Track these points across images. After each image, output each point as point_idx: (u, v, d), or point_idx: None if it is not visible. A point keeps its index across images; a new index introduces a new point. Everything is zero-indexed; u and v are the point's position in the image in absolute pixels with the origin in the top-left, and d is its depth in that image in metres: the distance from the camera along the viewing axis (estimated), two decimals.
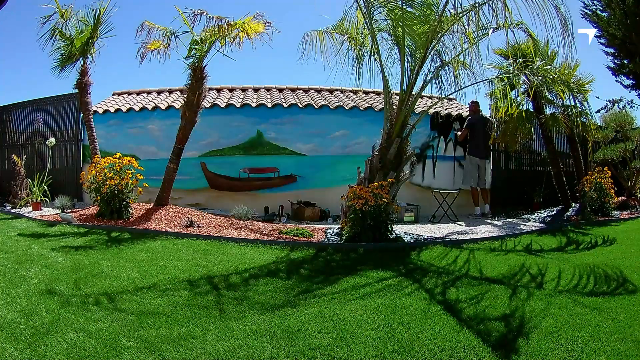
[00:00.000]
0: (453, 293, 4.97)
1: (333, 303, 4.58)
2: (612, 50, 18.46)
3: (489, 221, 10.97)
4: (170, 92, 14.94)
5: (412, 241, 7.92)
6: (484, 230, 9.36)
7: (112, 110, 12.72)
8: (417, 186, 12.61)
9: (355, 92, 14.90)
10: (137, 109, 12.73)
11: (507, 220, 11.13)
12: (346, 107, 12.68)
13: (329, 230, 8.83)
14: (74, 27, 11.00)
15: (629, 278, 5.51)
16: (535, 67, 8.44)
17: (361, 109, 12.69)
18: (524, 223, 10.50)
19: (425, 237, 8.47)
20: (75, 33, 10.95)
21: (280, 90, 14.77)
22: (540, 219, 11.02)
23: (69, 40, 10.96)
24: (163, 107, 12.65)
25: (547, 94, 12.02)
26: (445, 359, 3.43)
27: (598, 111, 19.94)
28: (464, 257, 6.75)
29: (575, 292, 4.91)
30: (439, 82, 9.11)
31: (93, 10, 10.96)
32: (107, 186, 8.83)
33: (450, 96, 10.11)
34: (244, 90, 14.91)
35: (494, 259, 6.59)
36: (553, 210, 12.05)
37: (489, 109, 13.15)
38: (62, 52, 11.11)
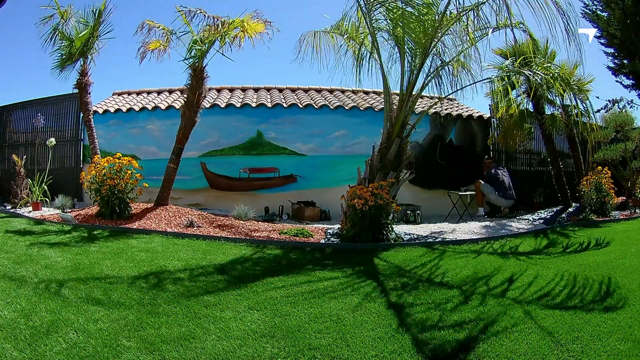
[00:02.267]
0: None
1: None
2: (612, 50, 18.47)
3: (482, 222, 10.99)
4: (171, 92, 14.94)
5: (409, 241, 7.92)
6: (478, 232, 9.32)
7: (112, 110, 12.72)
8: (417, 186, 12.60)
9: (355, 92, 14.90)
10: (137, 109, 12.72)
11: (502, 221, 11.14)
12: (346, 107, 12.69)
13: (329, 231, 8.83)
14: (74, 27, 11.00)
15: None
16: (535, 65, 8.43)
17: (361, 109, 12.70)
18: (517, 223, 10.50)
19: (424, 236, 8.49)
20: (75, 33, 10.94)
21: (281, 90, 14.77)
22: (538, 219, 11.00)
23: (69, 40, 10.95)
24: (163, 107, 12.64)
25: (547, 93, 12.02)
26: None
27: (598, 111, 19.91)
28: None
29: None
30: (439, 82, 9.13)
31: (92, 10, 10.98)
32: (107, 186, 8.84)
33: (450, 96, 10.10)
34: (244, 90, 14.91)
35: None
36: (552, 211, 12.04)
37: (489, 108, 13.18)
38: (62, 52, 11.10)
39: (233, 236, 7.93)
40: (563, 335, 3.82)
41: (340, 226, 8.51)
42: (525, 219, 11.17)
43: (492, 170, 12.60)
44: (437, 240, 8.13)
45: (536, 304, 4.59)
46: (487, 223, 10.65)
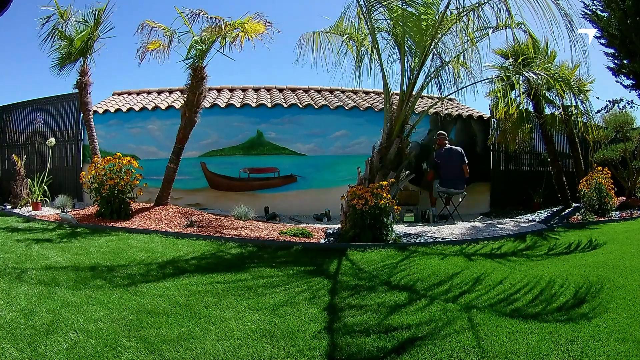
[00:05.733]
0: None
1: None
2: (612, 51, 18.43)
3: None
4: (171, 92, 14.94)
5: (407, 241, 7.91)
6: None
7: (112, 110, 12.73)
8: (416, 186, 12.61)
9: (355, 92, 14.91)
10: (137, 109, 12.74)
11: (502, 220, 11.18)
12: (346, 107, 12.70)
13: (329, 231, 8.82)
14: (74, 27, 10.99)
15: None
16: (535, 65, 8.43)
17: (361, 109, 12.71)
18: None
19: (423, 237, 8.48)
20: (75, 33, 10.93)
21: (281, 90, 14.78)
22: (537, 220, 10.98)
23: (69, 40, 10.94)
24: (163, 107, 12.66)
25: (546, 93, 12.03)
26: None
27: (598, 111, 19.92)
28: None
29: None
30: (439, 82, 9.14)
31: (92, 10, 10.97)
32: (107, 186, 8.84)
33: (450, 96, 10.11)
34: (244, 90, 14.91)
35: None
36: (552, 211, 12.02)
37: (489, 109, 13.18)
38: (62, 51, 11.09)
39: (232, 236, 7.92)
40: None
41: (340, 226, 8.52)
42: (524, 219, 11.15)
43: (434, 154, 12.34)
44: (437, 240, 8.06)
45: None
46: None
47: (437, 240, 8.09)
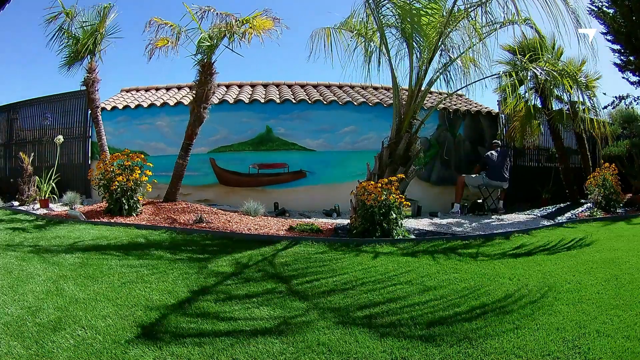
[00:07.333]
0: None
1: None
2: (619, 47, 18.32)
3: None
4: (179, 88, 14.98)
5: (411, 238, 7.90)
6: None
7: (120, 106, 12.78)
8: (425, 182, 12.63)
9: (364, 88, 14.88)
10: (145, 105, 12.78)
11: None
12: (355, 103, 12.69)
13: (338, 226, 8.81)
14: (80, 25, 11.02)
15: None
16: (542, 61, 8.41)
17: (370, 104, 12.69)
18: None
19: (423, 232, 8.46)
20: (82, 32, 10.97)
21: (290, 86, 14.79)
22: (539, 215, 11.05)
23: (75, 38, 10.98)
24: (171, 103, 12.68)
25: (554, 89, 11.97)
26: None
27: (605, 107, 19.76)
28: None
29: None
30: (447, 78, 9.11)
31: (98, 7, 10.99)
32: (116, 183, 8.85)
33: (459, 92, 10.07)
34: (253, 86, 14.93)
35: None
36: (559, 207, 11.96)
37: (498, 104, 13.15)
38: (70, 50, 11.13)
39: (241, 232, 7.93)
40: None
41: (350, 221, 8.51)
42: (532, 215, 11.12)
43: (485, 154, 12.58)
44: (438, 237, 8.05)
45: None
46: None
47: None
